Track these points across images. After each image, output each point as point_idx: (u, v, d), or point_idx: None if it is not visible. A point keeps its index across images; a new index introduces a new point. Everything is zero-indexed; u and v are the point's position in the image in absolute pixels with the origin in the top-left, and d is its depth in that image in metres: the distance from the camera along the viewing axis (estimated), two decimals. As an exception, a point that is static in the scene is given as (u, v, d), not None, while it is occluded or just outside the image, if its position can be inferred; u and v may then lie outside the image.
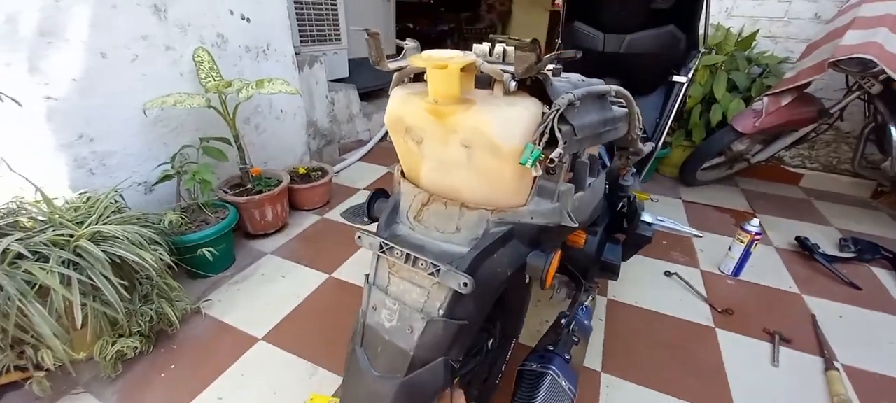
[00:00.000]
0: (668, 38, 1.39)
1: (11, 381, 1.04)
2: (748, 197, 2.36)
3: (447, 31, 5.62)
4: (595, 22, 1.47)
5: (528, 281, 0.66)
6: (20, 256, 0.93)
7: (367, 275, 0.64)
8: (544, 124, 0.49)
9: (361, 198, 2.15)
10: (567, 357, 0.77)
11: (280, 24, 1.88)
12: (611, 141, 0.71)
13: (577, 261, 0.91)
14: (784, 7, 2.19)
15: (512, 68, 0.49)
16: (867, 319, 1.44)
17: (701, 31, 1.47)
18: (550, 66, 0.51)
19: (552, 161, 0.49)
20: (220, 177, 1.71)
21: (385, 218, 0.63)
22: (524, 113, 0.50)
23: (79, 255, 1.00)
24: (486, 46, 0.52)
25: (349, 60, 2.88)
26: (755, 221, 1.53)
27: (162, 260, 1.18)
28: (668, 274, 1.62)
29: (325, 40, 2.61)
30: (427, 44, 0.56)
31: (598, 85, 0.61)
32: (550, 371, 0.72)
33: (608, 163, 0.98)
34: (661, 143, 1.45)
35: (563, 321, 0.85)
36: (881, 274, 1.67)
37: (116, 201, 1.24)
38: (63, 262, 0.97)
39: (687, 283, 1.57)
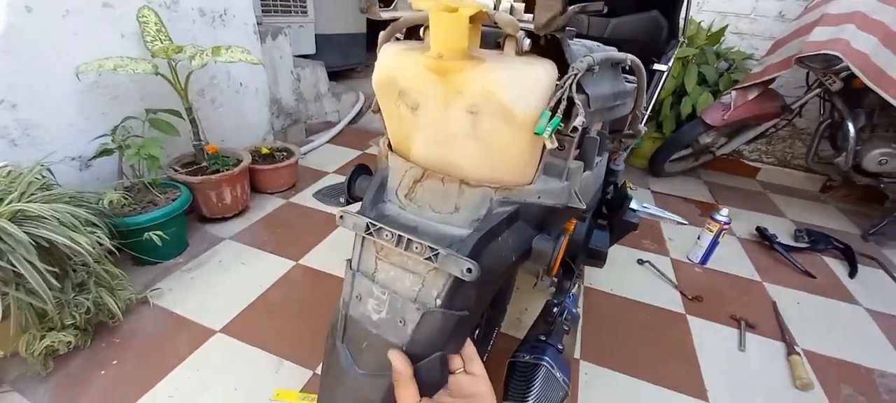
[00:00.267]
0: (652, 24, 1.38)
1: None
2: (711, 188, 2.44)
3: None
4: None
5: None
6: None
7: (349, 261, 0.56)
8: (563, 90, 0.43)
9: (330, 181, 2.02)
10: (560, 347, 0.73)
11: (240, -13, 1.71)
12: (614, 119, 0.67)
13: (567, 248, 0.87)
14: (751, 4, 2.26)
15: (525, 24, 0.43)
16: (822, 305, 1.51)
17: (682, 21, 1.47)
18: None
19: (574, 130, 0.43)
20: (170, 155, 1.54)
21: (371, 196, 0.55)
22: (543, 74, 0.43)
23: (-5, 237, 0.85)
24: None
25: (316, 36, 2.71)
26: (724, 211, 1.57)
27: (100, 244, 1.03)
28: (640, 262, 1.64)
29: (290, 11, 2.44)
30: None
31: (614, 52, 0.56)
32: (544, 363, 0.68)
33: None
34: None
35: (554, 309, 0.81)
36: (833, 263, 1.77)
37: (43, 177, 1.08)
38: (-27, 245, 0.82)
39: (659, 271, 1.59)
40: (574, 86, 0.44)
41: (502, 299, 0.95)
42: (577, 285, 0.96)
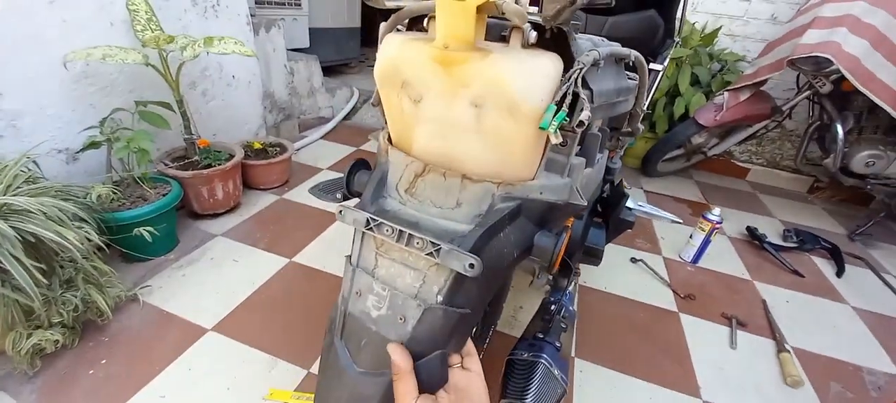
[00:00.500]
0: (648, 23, 1.38)
1: None
2: (702, 188, 2.47)
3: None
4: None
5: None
6: None
7: (349, 257, 0.55)
8: (568, 84, 0.43)
9: (324, 178, 2.00)
10: (558, 345, 0.73)
11: (233, -22, 1.68)
12: (614, 116, 0.66)
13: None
14: (744, 6, 2.28)
15: (532, 17, 0.42)
16: (810, 304, 1.54)
17: (677, 22, 1.48)
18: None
19: (580, 124, 0.43)
20: (161, 148, 1.51)
21: (370, 191, 0.54)
22: (550, 67, 0.42)
23: (-22, 232, 0.82)
24: None
25: (310, 29, 2.68)
26: (716, 211, 1.59)
27: (88, 239, 1.01)
28: (633, 260, 1.66)
29: (284, 3, 2.40)
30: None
31: (618, 47, 0.55)
32: (542, 360, 0.68)
33: None
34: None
35: (551, 307, 0.81)
36: (820, 262, 1.81)
37: (29, 169, 1.05)
38: (-45, 240, 0.79)
39: (652, 270, 1.60)
40: (580, 81, 0.43)
41: (498, 297, 0.95)
42: (573, 283, 0.96)
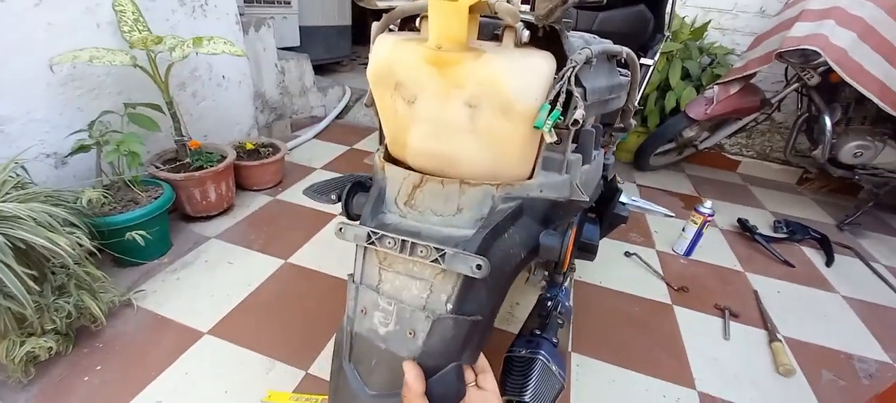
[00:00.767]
0: (638, 18, 1.39)
1: None
2: (694, 182, 2.50)
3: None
4: None
5: None
6: None
7: (350, 275, 0.54)
8: (561, 82, 0.43)
9: (318, 177, 1.99)
10: (555, 340, 0.73)
11: (221, -23, 1.66)
12: (607, 112, 0.67)
13: None
14: (733, 0, 2.30)
15: (524, 15, 0.42)
16: (801, 294, 1.56)
17: (667, 16, 1.49)
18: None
19: (575, 122, 0.43)
20: (151, 151, 1.49)
21: (369, 208, 0.53)
22: (543, 65, 0.43)
23: (-34, 240, 0.81)
24: None
25: (300, 28, 2.65)
26: (708, 204, 1.60)
27: (80, 244, 1.00)
28: (627, 254, 1.67)
29: (273, 2, 2.38)
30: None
31: (610, 44, 0.56)
32: (540, 357, 0.69)
33: None
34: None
35: (548, 303, 0.81)
36: (810, 252, 1.83)
37: (17, 175, 1.03)
38: (-57, 248, 0.78)
39: (645, 263, 1.62)
40: (573, 79, 0.44)
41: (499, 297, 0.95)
42: (569, 279, 0.97)
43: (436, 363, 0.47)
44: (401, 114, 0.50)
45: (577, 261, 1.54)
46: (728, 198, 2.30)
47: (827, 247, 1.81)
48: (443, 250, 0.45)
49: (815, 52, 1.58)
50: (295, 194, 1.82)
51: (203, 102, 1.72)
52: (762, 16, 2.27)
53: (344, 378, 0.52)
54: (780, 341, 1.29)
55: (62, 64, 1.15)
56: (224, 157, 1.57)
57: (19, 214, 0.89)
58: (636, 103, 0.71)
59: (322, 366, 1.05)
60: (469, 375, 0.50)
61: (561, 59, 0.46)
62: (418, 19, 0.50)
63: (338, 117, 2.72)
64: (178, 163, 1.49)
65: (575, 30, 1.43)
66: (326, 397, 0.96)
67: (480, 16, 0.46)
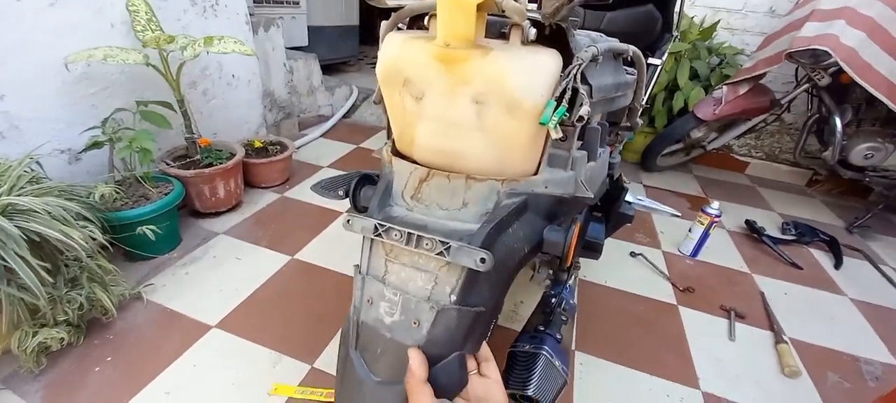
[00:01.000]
0: (646, 17, 1.39)
1: None
2: (701, 183, 2.48)
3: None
4: None
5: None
6: None
7: (357, 266, 0.55)
8: (567, 79, 0.43)
9: (325, 175, 2.01)
10: (558, 337, 0.74)
11: (232, -23, 1.68)
12: (613, 111, 0.67)
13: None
14: (742, 0, 2.28)
15: (531, 14, 0.43)
16: (808, 296, 1.55)
17: (675, 15, 1.48)
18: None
19: (580, 119, 0.43)
20: (162, 148, 1.52)
21: (376, 201, 0.54)
22: (550, 63, 0.43)
23: (-16, 232, 0.83)
24: None
25: (309, 28, 2.68)
26: (715, 204, 1.59)
27: (93, 238, 1.02)
28: (633, 254, 1.67)
29: (282, 2, 2.40)
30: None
31: (616, 43, 0.56)
32: (544, 352, 0.69)
33: None
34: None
35: (552, 300, 0.82)
36: (818, 255, 1.82)
37: (32, 170, 1.05)
38: (-38, 240, 0.80)
39: (651, 263, 1.62)
40: (578, 76, 0.44)
41: (501, 291, 0.95)
42: (573, 277, 0.97)
43: (439, 352, 0.48)
44: (409, 111, 0.51)
45: (582, 261, 1.54)
46: (736, 200, 2.28)
47: (835, 250, 1.79)
48: (448, 243, 0.45)
49: (825, 52, 1.57)
50: (302, 191, 1.84)
51: (213, 101, 1.74)
52: (772, 15, 2.25)
53: (350, 365, 0.53)
54: (786, 342, 1.28)
55: (77, 62, 1.17)
56: (233, 155, 1.59)
57: (34, 208, 0.91)
58: (643, 102, 0.71)
59: (328, 360, 1.07)
60: (471, 364, 0.52)
61: (567, 57, 0.46)
62: (427, 18, 0.51)
63: (345, 116, 2.74)
64: (188, 160, 1.52)
65: (583, 29, 1.44)
66: (332, 390, 0.98)
67: (488, 14, 0.46)
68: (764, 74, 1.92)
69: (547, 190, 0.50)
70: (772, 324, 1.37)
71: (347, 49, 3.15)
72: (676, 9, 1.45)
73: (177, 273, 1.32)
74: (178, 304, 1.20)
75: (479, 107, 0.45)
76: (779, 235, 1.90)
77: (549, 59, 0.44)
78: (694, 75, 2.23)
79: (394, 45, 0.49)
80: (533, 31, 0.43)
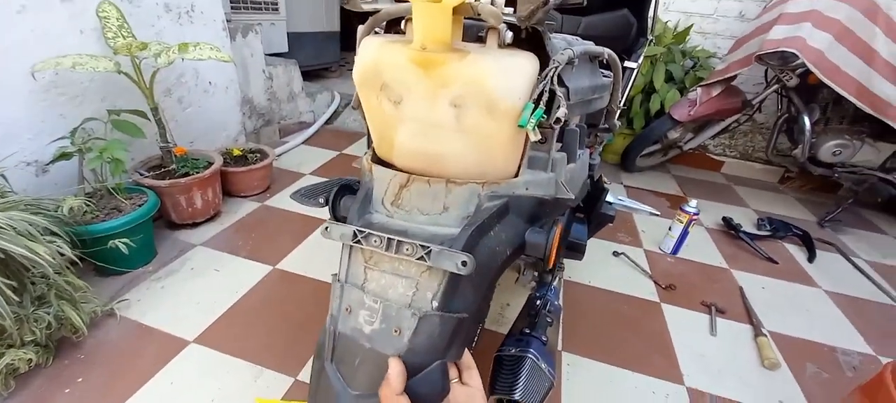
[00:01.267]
0: (622, 22, 1.42)
1: None
2: (679, 182, 2.54)
3: None
4: None
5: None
6: None
7: (335, 275, 0.54)
8: (544, 82, 0.44)
9: (307, 183, 1.98)
10: (544, 339, 0.74)
11: (207, -17, 1.65)
12: (591, 112, 0.68)
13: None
14: (714, 5, 2.36)
15: (507, 17, 0.43)
16: (785, 289, 1.60)
17: (650, 20, 1.52)
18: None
19: (557, 121, 0.44)
20: (135, 158, 1.47)
21: (356, 208, 0.53)
22: (527, 65, 0.43)
23: (-59, 250, 0.79)
24: None
25: (288, 34, 2.64)
26: (693, 203, 1.63)
27: (61, 253, 0.97)
28: (615, 253, 1.69)
29: (261, 8, 2.37)
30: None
31: (592, 46, 0.57)
32: (530, 355, 0.69)
33: None
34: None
35: (537, 302, 0.82)
36: (793, 249, 1.88)
37: (-4, 183, 1.01)
38: (-84, 259, 0.76)
39: (633, 262, 1.64)
40: (556, 79, 0.44)
41: (486, 296, 0.95)
42: (558, 278, 0.98)
43: (421, 360, 0.47)
44: (387, 115, 0.51)
45: (566, 261, 1.55)
46: (713, 198, 2.34)
47: (809, 244, 1.85)
48: (428, 247, 0.45)
49: (793, 54, 1.63)
50: (283, 200, 1.81)
51: (189, 108, 1.70)
52: (742, 20, 2.33)
53: (326, 378, 0.51)
54: (765, 336, 1.31)
55: (44, 70, 1.13)
56: (210, 163, 1.55)
57: (-3, 223, 0.87)
58: (620, 104, 0.73)
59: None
60: (453, 372, 0.51)
61: (544, 60, 0.46)
62: (403, 22, 0.51)
63: (327, 122, 2.71)
64: (163, 170, 1.47)
65: (560, 33, 1.46)
66: (316, 403, 0.95)
67: (464, 18, 0.46)
68: (736, 76, 1.99)
69: (528, 192, 0.50)
70: (751, 318, 1.40)
71: (329, 55, 3.12)
72: (651, 13, 1.49)
73: (152, 287, 1.27)
74: (154, 319, 1.16)
75: (458, 110, 0.45)
76: (754, 231, 1.96)
77: (526, 62, 0.44)
78: (669, 78, 2.28)
79: (370, 50, 0.48)
80: (509, 34, 0.44)
